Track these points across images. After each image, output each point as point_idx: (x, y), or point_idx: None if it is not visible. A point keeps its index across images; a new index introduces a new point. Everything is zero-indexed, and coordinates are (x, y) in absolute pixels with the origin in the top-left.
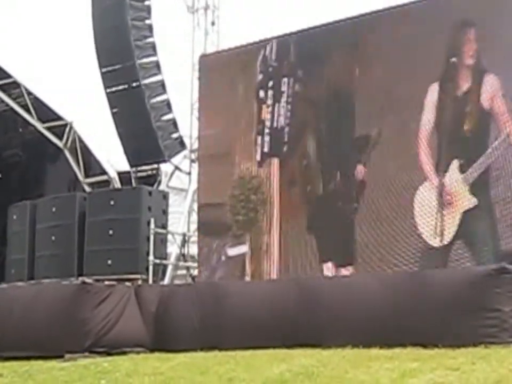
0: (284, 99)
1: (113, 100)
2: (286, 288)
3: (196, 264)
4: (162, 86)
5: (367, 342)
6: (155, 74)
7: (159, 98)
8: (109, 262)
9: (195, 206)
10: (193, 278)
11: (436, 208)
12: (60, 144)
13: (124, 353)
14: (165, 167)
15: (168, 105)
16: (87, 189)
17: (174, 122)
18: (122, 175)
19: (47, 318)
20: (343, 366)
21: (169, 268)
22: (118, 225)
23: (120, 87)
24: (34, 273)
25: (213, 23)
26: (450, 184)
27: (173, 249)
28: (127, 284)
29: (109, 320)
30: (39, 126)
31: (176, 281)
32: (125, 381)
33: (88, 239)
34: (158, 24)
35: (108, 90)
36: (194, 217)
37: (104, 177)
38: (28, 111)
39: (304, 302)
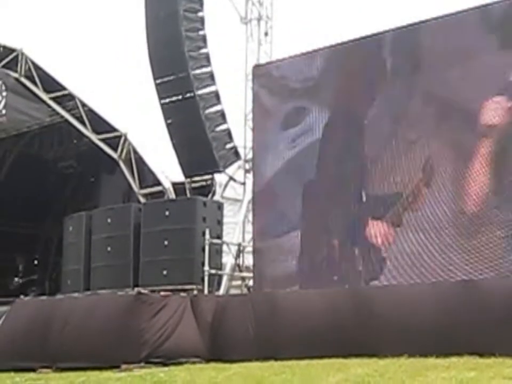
0: None
1: (168, 110)
2: (342, 298)
3: (251, 275)
4: (216, 96)
5: (423, 352)
6: (209, 85)
7: (213, 109)
8: (164, 272)
9: (250, 216)
10: (248, 288)
11: None
12: (114, 155)
13: (180, 363)
14: (219, 178)
15: (222, 115)
16: (142, 199)
17: (228, 133)
18: (177, 186)
19: (103, 329)
20: (400, 376)
21: (225, 278)
22: (173, 236)
23: (175, 98)
24: (90, 284)
25: (266, 34)
26: None
27: (228, 259)
28: (183, 294)
29: (165, 330)
30: (94, 137)
31: (232, 292)
32: None
33: (143, 250)
34: (211, 34)
35: (162, 101)
36: (249, 227)
37: (158, 188)
38: (82, 122)
39: (360, 311)
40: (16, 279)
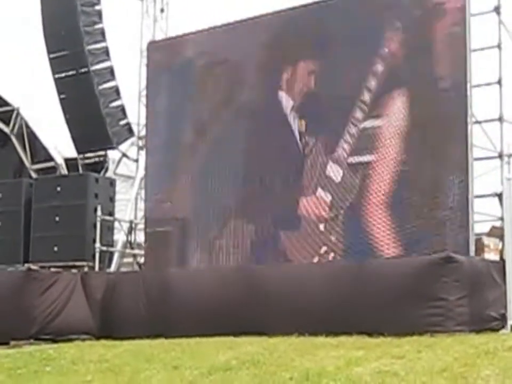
0: None
1: (61, 85)
2: (234, 276)
3: (142, 252)
4: (111, 72)
5: (313, 331)
6: (104, 61)
7: (107, 85)
8: (55, 248)
9: (142, 193)
10: (139, 265)
11: None
12: (6, 130)
13: (70, 340)
14: (112, 154)
15: (116, 91)
16: (34, 175)
17: (122, 109)
18: (69, 162)
19: None
20: (289, 354)
21: (116, 255)
22: (65, 212)
23: (69, 73)
24: None
25: (162, 10)
26: None
27: (119, 236)
28: (73, 271)
29: (54, 307)
30: None
31: (123, 269)
32: (70, 368)
33: (34, 226)
34: (107, 10)
35: (56, 76)
36: (141, 204)
37: (51, 164)
38: None
39: (251, 289)
40: None
